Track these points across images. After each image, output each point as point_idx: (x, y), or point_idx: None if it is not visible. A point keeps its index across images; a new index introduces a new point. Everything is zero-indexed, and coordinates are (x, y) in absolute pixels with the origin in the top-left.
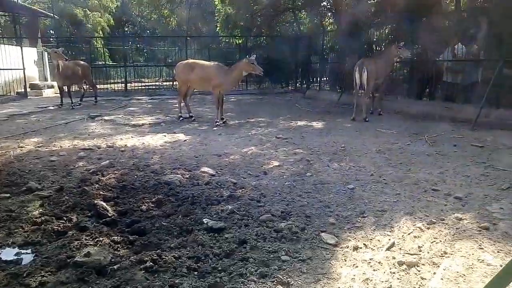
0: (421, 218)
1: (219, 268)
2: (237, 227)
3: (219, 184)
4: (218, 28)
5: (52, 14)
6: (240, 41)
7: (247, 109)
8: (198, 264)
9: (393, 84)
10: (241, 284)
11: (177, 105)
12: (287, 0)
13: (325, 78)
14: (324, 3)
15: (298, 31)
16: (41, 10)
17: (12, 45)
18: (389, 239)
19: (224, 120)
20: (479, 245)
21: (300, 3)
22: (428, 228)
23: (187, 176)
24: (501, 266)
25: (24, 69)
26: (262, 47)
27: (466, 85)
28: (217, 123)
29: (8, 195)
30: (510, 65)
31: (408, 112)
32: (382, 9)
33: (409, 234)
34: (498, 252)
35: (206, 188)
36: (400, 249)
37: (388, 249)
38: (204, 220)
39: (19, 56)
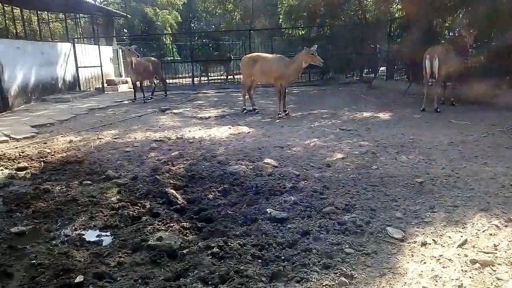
0: (498, 215)
1: (282, 257)
2: (300, 218)
3: (281, 175)
4: (281, 20)
5: (125, 14)
6: (303, 32)
7: (310, 100)
8: (262, 252)
9: (468, 72)
10: (304, 274)
11: (241, 98)
12: None
13: (393, 67)
14: None
15: (363, 19)
16: (115, 11)
17: (91, 44)
18: (461, 236)
19: (287, 112)
20: None
21: None
22: (506, 226)
23: (251, 167)
24: None
25: (101, 66)
26: (326, 37)
27: None
28: (279, 116)
29: (90, 182)
30: None
31: (485, 102)
32: None
33: (483, 231)
34: None
35: (269, 179)
36: (473, 246)
37: (459, 246)
38: (267, 210)
39: (96, 54)
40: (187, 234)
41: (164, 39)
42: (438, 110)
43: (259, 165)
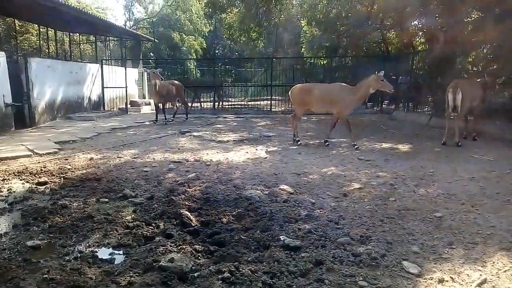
0: None
1: (294, 286)
2: (314, 247)
3: (297, 202)
4: (303, 49)
5: (153, 38)
6: (324, 62)
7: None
8: (273, 280)
9: (491, 107)
10: None
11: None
12: (375, 21)
13: (413, 100)
14: (415, 22)
15: (386, 51)
16: (143, 35)
17: (118, 66)
18: (480, 275)
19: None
20: None
21: (388, 23)
22: None
23: (266, 193)
24: None
25: (126, 87)
26: (347, 68)
27: None
28: (355, 147)
29: (107, 200)
30: None
31: (508, 139)
32: (480, 27)
33: (505, 271)
34: None
35: (284, 206)
36: (493, 286)
37: (478, 285)
38: (281, 237)
39: (122, 76)
40: (199, 257)
41: (188, 64)
42: (460, 144)
43: (274, 191)
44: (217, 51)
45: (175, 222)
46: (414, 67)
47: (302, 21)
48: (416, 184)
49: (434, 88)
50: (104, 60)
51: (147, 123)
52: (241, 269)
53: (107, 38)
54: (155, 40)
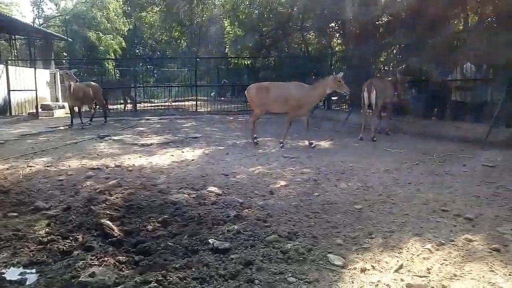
0: (430, 239)
1: None
2: (243, 248)
3: (225, 203)
4: (227, 50)
5: (65, 37)
6: (248, 62)
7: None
8: (203, 285)
9: (401, 104)
10: None
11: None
12: (296, 22)
13: (334, 98)
14: (332, 24)
15: (306, 51)
16: (55, 33)
17: (26, 67)
18: (397, 261)
19: (313, 144)
20: (490, 268)
21: (308, 25)
22: (438, 250)
23: (194, 196)
24: None
25: (36, 90)
26: (271, 68)
27: (475, 104)
28: (312, 145)
29: (16, 214)
30: None
31: (416, 132)
32: (390, 29)
33: (418, 255)
34: (509, 274)
35: (212, 208)
36: (409, 271)
37: (396, 271)
38: (210, 240)
39: (32, 77)
40: (123, 269)
41: (107, 64)
42: (375, 139)
43: (202, 193)
44: (137, 51)
45: (95, 234)
46: (332, 66)
47: (225, 21)
48: (337, 178)
49: (351, 87)
50: (10, 60)
51: (62, 128)
52: (169, 277)
53: (13, 36)
54: (69, 39)
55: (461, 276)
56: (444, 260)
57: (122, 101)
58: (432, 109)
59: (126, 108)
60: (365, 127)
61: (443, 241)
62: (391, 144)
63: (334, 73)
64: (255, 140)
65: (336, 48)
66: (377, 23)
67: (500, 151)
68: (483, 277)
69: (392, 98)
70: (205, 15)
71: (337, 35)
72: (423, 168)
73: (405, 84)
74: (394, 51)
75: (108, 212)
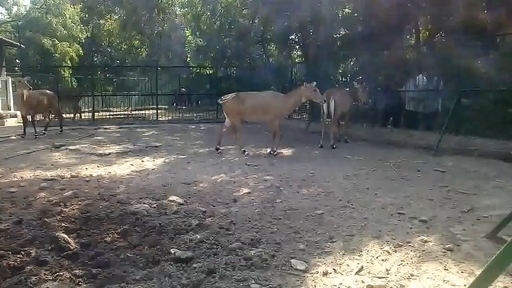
0: (388, 241)
1: None
2: (206, 256)
3: (187, 213)
4: (188, 59)
5: (18, 43)
6: (210, 72)
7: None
8: None
9: (359, 113)
10: None
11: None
12: (257, 33)
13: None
14: (292, 36)
15: (267, 62)
16: (6, 39)
17: None
18: (358, 263)
19: (276, 152)
20: (444, 266)
21: (269, 36)
22: (395, 251)
23: (155, 206)
24: (465, 286)
25: None
26: (233, 78)
27: (427, 113)
28: (275, 153)
29: None
30: (466, 95)
31: (373, 140)
32: (347, 43)
33: (377, 257)
34: (462, 272)
35: (174, 218)
36: (369, 272)
37: (357, 273)
38: (171, 250)
39: None
40: (80, 283)
41: (63, 72)
42: (334, 146)
43: (163, 203)
44: (95, 59)
45: (50, 247)
46: (293, 77)
47: (186, 31)
48: (299, 185)
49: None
50: None
51: (14, 137)
52: None
53: None
54: (21, 45)
55: (418, 276)
56: (401, 261)
57: (71, 111)
58: (387, 118)
59: (76, 117)
60: (324, 135)
61: (401, 243)
62: (350, 152)
63: (305, 84)
64: (244, 149)
65: (296, 60)
66: (335, 36)
67: (451, 157)
68: (438, 275)
69: (350, 108)
70: (166, 25)
71: (297, 47)
72: (380, 174)
73: (367, 93)
74: (352, 63)
75: (63, 224)
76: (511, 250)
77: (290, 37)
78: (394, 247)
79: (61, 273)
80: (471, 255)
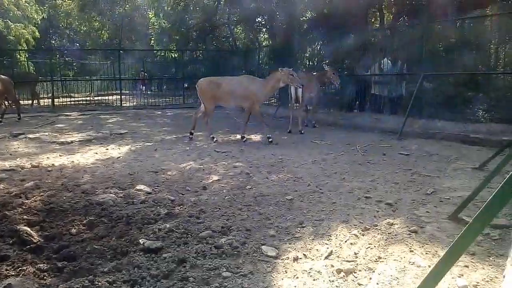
0: (356, 225)
1: None
2: (176, 246)
3: (156, 202)
4: (152, 42)
5: None
6: (176, 55)
7: (184, 123)
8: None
9: (326, 98)
10: None
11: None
12: (223, 15)
13: None
14: (259, 19)
15: (234, 46)
16: None
17: None
18: (327, 248)
19: (245, 139)
20: (410, 248)
21: (235, 19)
22: (363, 235)
23: (121, 195)
24: (429, 267)
25: None
26: (199, 61)
27: (392, 97)
28: (244, 140)
29: None
30: (429, 79)
31: (340, 124)
32: (313, 26)
33: (345, 241)
34: (426, 253)
35: (142, 207)
36: (338, 256)
37: (326, 257)
38: (140, 240)
39: None
40: (45, 277)
41: (19, 56)
42: (302, 131)
43: (130, 192)
44: (53, 42)
45: (11, 241)
46: (260, 61)
47: (149, 12)
48: (268, 171)
49: None
50: None
51: None
52: (96, 283)
53: None
54: None
55: (385, 258)
56: (369, 244)
57: (28, 97)
58: (354, 102)
59: (34, 104)
60: (293, 121)
61: (368, 226)
62: (318, 136)
63: (281, 69)
64: (211, 136)
65: (264, 43)
66: (301, 19)
67: (414, 140)
68: (404, 257)
69: (318, 92)
70: (127, 6)
71: (264, 30)
72: (348, 158)
73: (337, 75)
74: (318, 47)
75: (25, 217)
76: (472, 231)
77: (257, 20)
78: (362, 231)
79: (25, 268)
80: (435, 236)
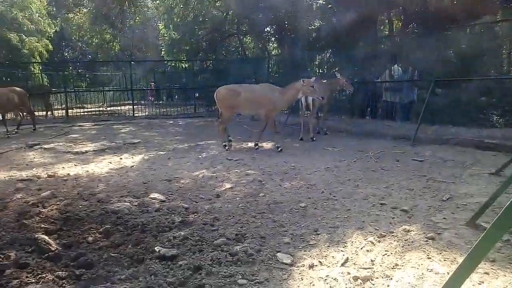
0: (371, 232)
1: None
2: (191, 253)
3: (170, 210)
4: (163, 53)
5: None
6: (186, 65)
7: (196, 132)
8: None
9: (337, 105)
10: None
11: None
12: (232, 26)
13: None
14: (268, 28)
15: (243, 55)
16: None
17: None
18: (343, 255)
19: (257, 147)
20: (427, 255)
21: (244, 29)
22: (379, 242)
23: (136, 204)
24: (448, 274)
25: None
26: (209, 71)
27: (404, 103)
28: (257, 147)
29: None
30: (440, 85)
31: (352, 131)
32: (323, 34)
33: (361, 248)
34: (444, 260)
35: (156, 215)
36: (354, 264)
37: (342, 264)
38: (156, 248)
39: None
40: (64, 285)
41: (33, 68)
42: (314, 139)
43: (145, 200)
44: (66, 54)
45: (30, 249)
46: (270, 70)
47: (159, 24)
48: (281, 178)
49: None
50: None
51: None
52: None
53: None
54: None
55: (402, 265)
56: (386, 251)
57: (43, 108)
58: (365, 109)
59: (48, 115)
60: (304, 128)
61: (384, 233)
62: (330, 143)
63: (303, 80)
64: (225, 143)
65: (273, 52)
66: (310, 28)
67: (428, 146)
68: (421, 264)
69: (328, 100)
70: (137, 18)
71: (273, 39)
72: (361, 165)
73: (349, 83)
74: (328, 55)
75: (43, 225)
76: (491, 237)
77: (266, 29)
78: (377, 238)
79: (44, 275)
80: (453, 243)
